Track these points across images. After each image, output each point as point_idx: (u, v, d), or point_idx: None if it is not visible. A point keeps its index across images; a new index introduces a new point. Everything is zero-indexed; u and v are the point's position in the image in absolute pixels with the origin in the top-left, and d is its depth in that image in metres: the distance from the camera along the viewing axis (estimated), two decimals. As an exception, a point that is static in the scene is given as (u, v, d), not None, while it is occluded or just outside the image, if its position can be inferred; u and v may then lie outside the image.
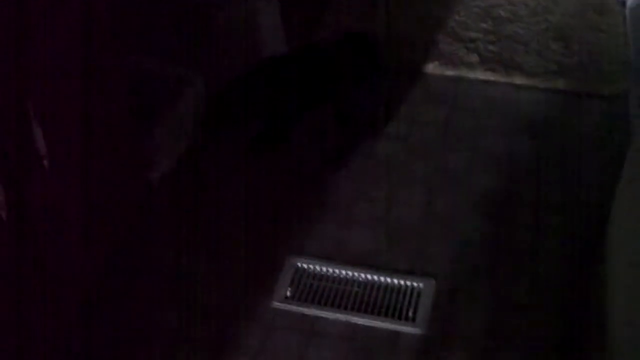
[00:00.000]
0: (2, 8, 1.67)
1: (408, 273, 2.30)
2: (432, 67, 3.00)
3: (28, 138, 1.81)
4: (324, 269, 2.32)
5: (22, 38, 1.75)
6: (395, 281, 2.28)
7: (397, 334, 2.16)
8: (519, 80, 2.94)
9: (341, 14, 3.25)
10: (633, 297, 1.59)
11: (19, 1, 1.71)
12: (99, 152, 2.12)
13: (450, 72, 2.99)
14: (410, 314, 2.20)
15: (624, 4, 3.22)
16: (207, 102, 2.64)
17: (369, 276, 2.29)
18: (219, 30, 2.70)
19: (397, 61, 3.01)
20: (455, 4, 3.29)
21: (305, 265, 2.33)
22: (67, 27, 1.89)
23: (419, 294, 2.24)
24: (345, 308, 2.22)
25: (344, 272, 2.31)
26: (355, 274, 2.30)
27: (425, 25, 3.19)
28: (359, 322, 2.19)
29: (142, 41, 2.49)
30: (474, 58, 3.02)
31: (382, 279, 2.28)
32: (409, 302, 2.23)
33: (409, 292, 2.25)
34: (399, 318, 2.19)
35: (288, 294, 2.25)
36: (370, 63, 2.61)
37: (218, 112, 2.58)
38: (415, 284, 2.27)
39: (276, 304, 2.23)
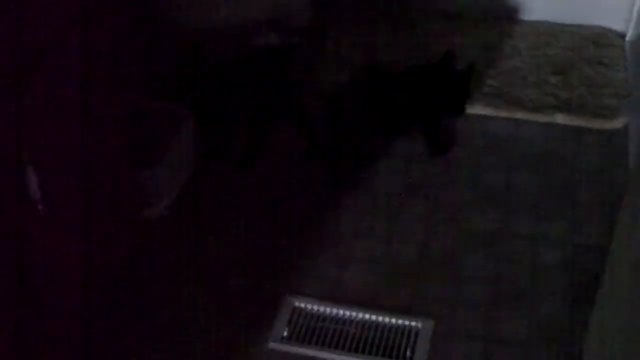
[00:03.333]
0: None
1: (406, 312, 2.28)
2: (431, 103, 2.99)
3: (22, 183, 1.81)
4: (322, 308, 2.30)
5: (17, 82, 1.76)
6: (393, 321, 2.26)
7: (394, 374, 2.14)
8: (518, 115, 2.92)
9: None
10: (630, 336, 1.57)
11: (16, 44, 1.72)
12: (97, 194, 2.12)
13: (449, 107, 2.98)
14: (408, 353, 2.18)
15: (623, 37, 3.22)
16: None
17: (366, 316, 2.27)
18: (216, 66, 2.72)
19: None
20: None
21: (302, 305, 2.31)
22: (63, 69, 1.90)
23: (417, 334, 2.22)
24: (343, 348, 2.20)
25: (341, 311, 2.29)
26: (353, 313, 2.28)
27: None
28: (357, 363, 2.17)
29: (137, 79, 2.50)
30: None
31: (380, 318, 2.26)
32: (407, 342, 2.21)
33: (406, 331, 2.24)
34: (397, 358, 2.17)
35: (285, 334, 2.24)
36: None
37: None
38: (413, 324, 2.25)
39: (272, 345, 2.21)
